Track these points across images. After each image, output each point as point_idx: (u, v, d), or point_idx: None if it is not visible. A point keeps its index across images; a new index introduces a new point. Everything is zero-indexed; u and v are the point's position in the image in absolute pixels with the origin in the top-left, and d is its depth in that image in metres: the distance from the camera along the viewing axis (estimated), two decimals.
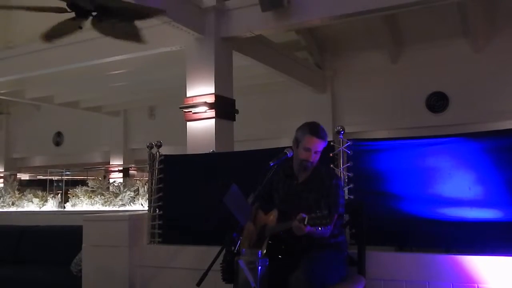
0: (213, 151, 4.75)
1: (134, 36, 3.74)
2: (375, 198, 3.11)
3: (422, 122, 9.20)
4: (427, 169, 3.02)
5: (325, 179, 2.65)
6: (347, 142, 3.20)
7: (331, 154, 3.20)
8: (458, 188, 2.91)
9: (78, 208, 6.10)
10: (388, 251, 3.16)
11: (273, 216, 2.69)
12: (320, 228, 2.33)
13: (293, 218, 2.40)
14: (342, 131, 3.20)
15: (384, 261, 3.00)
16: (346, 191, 3.15)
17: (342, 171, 3.16)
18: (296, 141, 2.71)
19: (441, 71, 9.13)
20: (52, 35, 3.60)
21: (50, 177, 8.17)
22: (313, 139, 2.64)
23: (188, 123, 6.49)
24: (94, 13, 3.49)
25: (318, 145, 2.65)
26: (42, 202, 6.64)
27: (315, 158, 2.66)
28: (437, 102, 9.25)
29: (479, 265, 2.74)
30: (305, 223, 2.30)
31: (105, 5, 3.36)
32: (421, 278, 2.85)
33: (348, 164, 3.18)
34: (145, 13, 3.60)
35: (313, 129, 2.67)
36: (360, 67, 9.77)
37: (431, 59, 9.09)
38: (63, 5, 3.42)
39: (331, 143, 3.23)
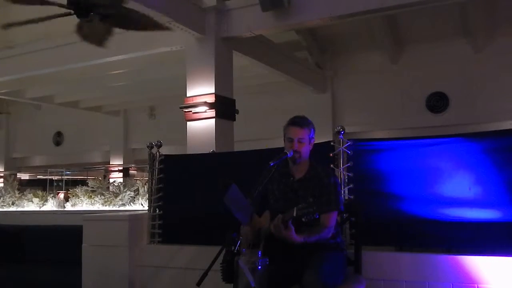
0: (213, 151, 4.74)
1: (154, 26, 3.68)
2: (375, 198, 3.11)
3: (422, 122, 9.20)
4: (427, 169, 3.02)
5: (323, 178, 2.64)
6: (347, 142, 3.20)
7: (331, 154, 3.20)
8: (458, 188, 2.91)
9: (78, 208, 6.10)
10: (387, 251, 3.16)
11: (266, 218, 2.68)
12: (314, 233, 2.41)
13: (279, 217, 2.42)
14: (342, 131, 3.20)
15: (384, 261, 3.00)
16: (346, 191, 3.15)
17: (342, 171, 3.16)
18: (283, 138, 2.72)
19: (441, 71, 9.12)
20: (87, 35, 3.53)
21: (50, 177, 8.17)
22: (291, 128, 2.66)
23: (188, 123, 6.49)
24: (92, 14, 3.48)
25: (298, 133, 2.63)
26: (42, 202, 6.64)
27: (300, 147, 2.63)
28: (437, 102, 9.24)
29: (479, 265, 2.74)
30: (294, 214, 2.29)
31: (107, 12, 3.35)
32: (421, 278, 2.85)
33: (348, 164, 3.18)
34: (150, 25, 3.57)
35: (291, 119, 2.69)
36: (360, 67, 9.77)
37: (431, 59, 9.08)
38: (64, 10, 3.41)
39: (331, 143, 3.23)
